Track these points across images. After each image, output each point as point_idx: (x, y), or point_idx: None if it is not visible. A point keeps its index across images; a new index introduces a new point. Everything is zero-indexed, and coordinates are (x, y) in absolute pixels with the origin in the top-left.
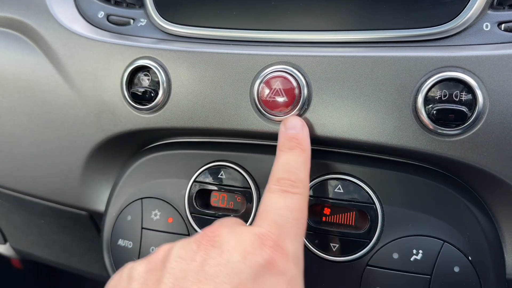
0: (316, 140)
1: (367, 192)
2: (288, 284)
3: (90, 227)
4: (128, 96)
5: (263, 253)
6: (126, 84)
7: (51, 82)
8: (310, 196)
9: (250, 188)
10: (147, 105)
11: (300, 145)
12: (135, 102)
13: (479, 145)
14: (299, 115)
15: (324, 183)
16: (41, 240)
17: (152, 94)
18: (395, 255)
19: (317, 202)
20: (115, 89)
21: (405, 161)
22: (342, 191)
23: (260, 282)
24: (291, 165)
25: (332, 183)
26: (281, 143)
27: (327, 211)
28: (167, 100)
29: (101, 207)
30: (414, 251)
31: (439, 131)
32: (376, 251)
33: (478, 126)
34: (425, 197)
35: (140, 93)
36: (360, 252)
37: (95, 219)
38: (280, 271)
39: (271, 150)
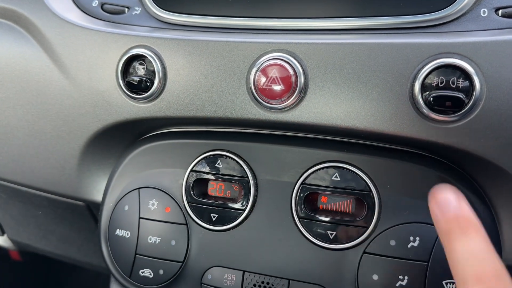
0: (313, 128)
1: (364, 180)
2: None
3: (88, 217)
4: (124, 86)
5: None
6: (121, 73)
7: (46, 72)
8: (308, 184)
9: (247, 177)
10: (142, 94)
11: (472, 225)
12: (131, 92)
13: (476, 132)
14: (296, 103)
15: (321, 171)
16: (38, 231)
17: (148, 83)
18: (392, 242)
19: (314, 190)
20: (110, 79)
21: (402, 148)
22: (339, 179)
23: None
24: (480, 255)
25: (329, 171)
26: (442, 227)
27: (324, 199)
28: (163, 89)
29: (98, 197)
30: (411, 238)
31: (436, 118)
32: (373, 239)
33: (475, 113)
34: (422, 184)
35: (135, 83)
36: (357, 240)
37: (92, 209)
38: None
39: (268, 139)
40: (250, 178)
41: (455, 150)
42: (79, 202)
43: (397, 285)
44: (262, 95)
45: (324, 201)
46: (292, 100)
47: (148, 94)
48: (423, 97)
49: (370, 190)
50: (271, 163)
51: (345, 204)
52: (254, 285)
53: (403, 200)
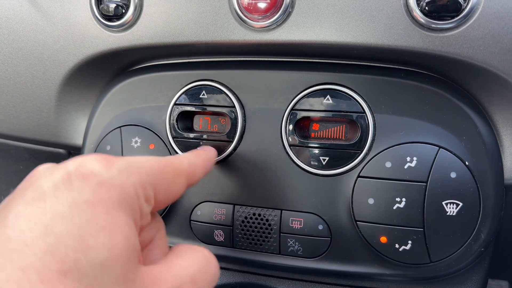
0: (302, 49)
1: (357, 101)
2: (99, 185)
3: None
4: (98, 14)
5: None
6: (95, 1)
7: (17, 7)
8: (298, 109)
9: (234, 106)
10: (118, 22)
11: None
12: (106, 20)
13: (474, 38)
14: (283, 20)
15: (312, 95)
16: None
17: (124, 10)
18: (388, 164)
19: (305, 115)
20: (84, 8)
21: (396, 66)
22: (331, 101)
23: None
24: None
25: (320, 94)
26: None
27: (315, 126)
28: (139, 14)
29: (79, 141)
30: (408, 159)
31: (433, 26)
32: (368, 162)
33: (474, 18)
34: (419, 102)
35: (111, 10)
36: (351, 164)
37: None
38: (90, 173)
39: (255, 65)
40: (237, 108)
41: (452, 61)
42: (60, 151)
43: (394, 207)
44: (247, 12)
45: (316, 129)
46: (278, 16)
47: (124, 21)
48: (419, 3)
49: (364, 111)
50: (258, 90)
51: (337, 130)
52: (245, 217)
53: (398, 120)
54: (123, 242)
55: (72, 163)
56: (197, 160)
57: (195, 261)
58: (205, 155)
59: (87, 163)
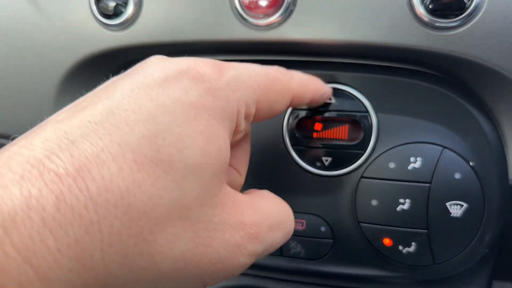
0: (305, 47)
1: (360, 100)
2: (206, 92)
3: None
4: (97, 12)
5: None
6: None
7: (14, 6)
8: (300, 109)
9: None
10: (117, 20)
11: None
12: (105, 18)
13: (479, 37)
14: (285, 18)
15: None
16: None
17: (123, 9)
18: (392, 165)
19: (307, 115)
20: (83, 7)
21: (399, 66)
22: (333, 101)
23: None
24: None
25: None
26: None
27: (318, 126)
28: (139, 13)
29: None
30: (412, 159)
31: (437, 24)
32: (371, 162)
33: (478, 16)
34: (423, 102)
35: (110, 9)
36: (354, 165)
37: None
38: (200, 76)
39: None
40: None
41: (456, 59)
42: None
43: (398, 209)
44: (248, 10)
45: (318, 129)
46: (280, 14)
47: (124, 20)
48: (422, 1)
49: (367, 111)
50: None
51: (340, 130)
52: None
53: (402, 119)
54: (217, 152)
55: (185, 62)
56: (308, 83)
57: (279, 210)
58: (318, 83)
59: (198, 66)
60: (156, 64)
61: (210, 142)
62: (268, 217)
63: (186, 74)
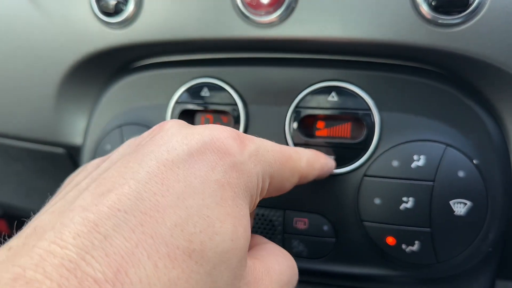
0: (306, 44)
1: (363, 98)
2: (231, 167)
3: (69, 168)
4: (98, 10)
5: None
6: None
7: (15, 4)
8: (302, 107)
9: (236, 104)
10: (118, 19)
11: None
12: (106, 16)
13: (482, 34)
14: (286, 15)
15: (316, 92)
16: (20, 189)
17: (124, 7)
18: (395, 163)
19: (309, 113)
20: (83, 5)
21: (402, 63)
22: (336, 99)
23: (195, 159)
24: None
25: (325, 91)
26: None
27: (320, 124)
28: (140, 11)
29: (78, 140)
30: (415, 157)
31: (440, 21)
32: (374, 160)
33: (481, 13)
34: (426, 99)
35: (110, 7)
36: (357, 163)
37: (74, 157)
38: (225, 149)
39: (257, 62)
40: (239, 106)
41: (459, 57)
42: (59, 150)
43: (401, 207)
44: (250, 8)
45: (320, 127)
46: (281, 12)
47: (124, 18)
48: None
49: (370, 109)
50: (261, 87)
51: (343, 128)
52: None
53: (405, 117)
54: (243, 235)
55: (208, 133)
56: (315, 162)
57: (288, 268)
58: (325, 160)
59: (222, 138)
60: (177, 135)
61: (238, 225)
62: (281, 280)
63: (210, 147)
